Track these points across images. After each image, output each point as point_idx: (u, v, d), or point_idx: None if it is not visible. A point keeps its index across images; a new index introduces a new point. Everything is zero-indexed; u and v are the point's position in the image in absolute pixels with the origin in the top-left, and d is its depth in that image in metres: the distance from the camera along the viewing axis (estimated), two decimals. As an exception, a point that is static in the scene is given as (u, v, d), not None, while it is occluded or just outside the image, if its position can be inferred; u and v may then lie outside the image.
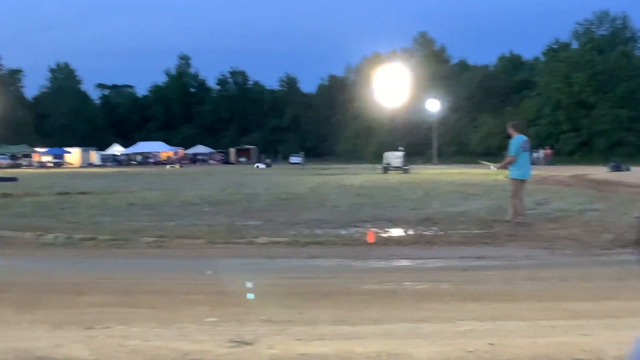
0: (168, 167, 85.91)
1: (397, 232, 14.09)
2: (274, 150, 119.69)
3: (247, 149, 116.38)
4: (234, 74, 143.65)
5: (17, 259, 11.73)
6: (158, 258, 11.45)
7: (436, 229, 14.23)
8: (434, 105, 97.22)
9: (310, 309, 7.09)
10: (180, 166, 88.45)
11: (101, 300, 7.66)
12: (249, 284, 8.56)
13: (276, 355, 5.36)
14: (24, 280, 9.11)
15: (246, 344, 5.62)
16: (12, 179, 40.51)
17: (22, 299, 7.62)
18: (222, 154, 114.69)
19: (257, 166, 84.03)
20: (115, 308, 7.25)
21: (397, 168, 53.81)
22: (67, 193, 26.70)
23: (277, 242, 12.73)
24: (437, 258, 10.91)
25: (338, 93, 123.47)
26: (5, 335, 6.07)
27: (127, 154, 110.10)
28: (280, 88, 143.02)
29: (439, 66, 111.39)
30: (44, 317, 6.85)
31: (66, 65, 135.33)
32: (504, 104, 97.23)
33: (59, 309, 7.25)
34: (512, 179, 15.65)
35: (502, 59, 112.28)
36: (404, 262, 10.61)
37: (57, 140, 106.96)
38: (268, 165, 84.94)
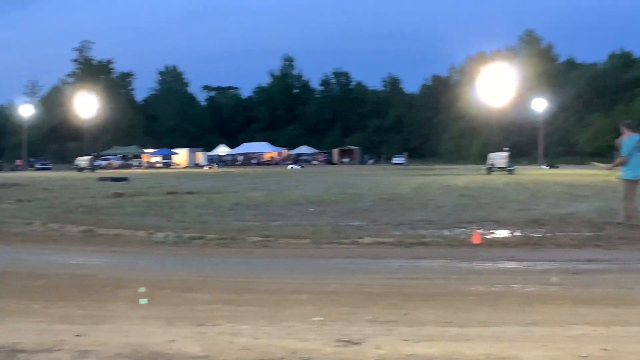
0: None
1: (502, 233, 13.87)
2: (376, 150, 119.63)
3: (351, 150, 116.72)
4: (337, 74, 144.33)
5: (131, 256, 12.13)
6: (264, 257, 11.62)
7: (544, 230, 13.92)
8: (540, 105, 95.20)
9: (416, 310, 7.07)
10: (302, 167, 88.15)
11: (210, 298, 7.83)
12: (352, 284, 8.60)
13: (383, 356, 5.37)
14: (138, 277, 9.40)
15: (353, 343, 5.65)
16: (124, 179, 41.90)
17: (136, 295, 7.86)
18: (325, 155, 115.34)
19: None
20: (224, 306, 7.40)
21: (501, 169, 52.98)
22: (175, 193, 27.41)
23: (382, 243, 12.72)
24: (545, 260, 10.68)
25: (441, 93, 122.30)
26: (120, 330, 6.29)
27: (232, 155, 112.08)
28: (383, 88, 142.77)
29: (546, 65, 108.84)
30: (157, 313, 7.06)
31: (174, 68, 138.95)
32: (614, 103, 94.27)
33: (171, 306, 7.46)
34: (624, 180, 15.13)
35: (612, 56, 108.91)
36: (511, 264, 10.43)
37: (165, 142, 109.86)
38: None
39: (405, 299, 7.64)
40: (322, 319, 6.68)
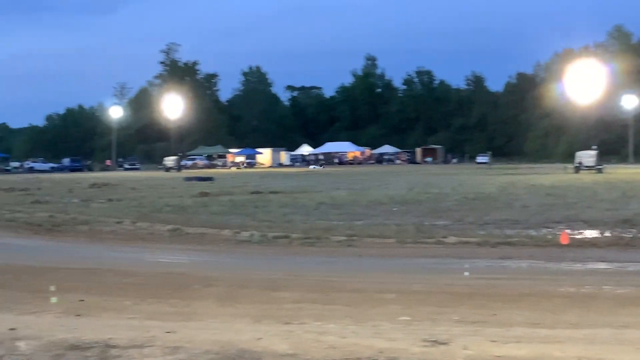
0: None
1: (592, 233, 13.54)
2: (460, 150, 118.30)
3: (434, 149, 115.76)
4: (420, 73, 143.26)
5: (217, 255, 12.35)
6: (349, 256, 11.65)
7: (635, 231, 13.52)
8: (630, 102, 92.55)
9: (504, 311, 6.97)
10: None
11: (296, 297, 7.89)
12: (438, 284, 8.55)
13: (471, 357, 5.31)
14: (225, 275, 9.55)
15: (440, 343, 5.61)
16: (209, 179, 42.55)
17: (224, 293, 7.99)
18: (408, 154, 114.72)
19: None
20: (310, 304, 7.45)
21: (589, 167, 51.69)
22: (259, 192, 27.67)
23: (467, 242, 12.60)
24: (637, 262, 10.41)
25: (526, 91, 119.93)
26: (209, 327, 6.40)
27: (315, 154, 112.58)
28: (467, 87, 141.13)
29: (636, 60, 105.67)
30: (244, 311, 7.16)
31: (258, 68, 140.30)
32: None
33: (257, 304, 7.55)
34: None
35: None
36: (601, 265, 10.18)
37: (249, 141, 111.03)
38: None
39: (492, 300, 7.55)
40: (408, 318, 6.66)
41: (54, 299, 7.79)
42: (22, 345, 5.65)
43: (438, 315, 6.77)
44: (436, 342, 5.63)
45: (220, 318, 6.84)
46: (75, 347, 5.53)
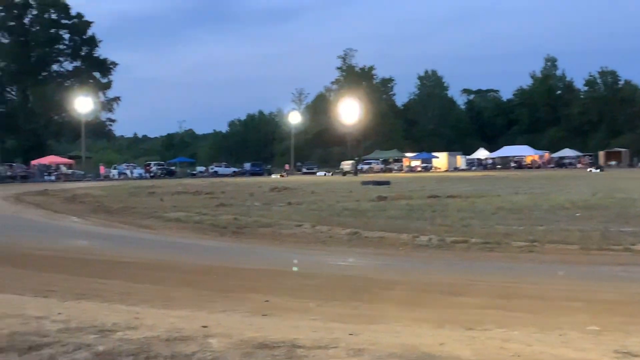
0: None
1: None
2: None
3: (618, 152, 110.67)
4: (603, 73, 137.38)
5: (396, 258, 12.39)
6: (531, 262, 11.37)
7: None
8: None
9: (703, 324, 6.57)
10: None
11: (478, 302, 7.79)
12: (628, 293, 8.17)
13: (668, 371, 5.04)
14: (405, 279, 9.58)
15: (634, 355, 5.35)
16: (386, 183, 42.73)
17: (405, 296, 8.01)
18: (590, 157, 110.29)
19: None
20: (492, 310, 7.34)
21: None
22: (436, 196, 27.44)
23: (659, 250, 11.96)
24: None
25: None
26: (391, 330, 6.43)
27: (492, 158, 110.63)
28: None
29: None
30: (426, 315, 7.15)
31: (434, 72, 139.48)
32: None
33: (439, 308, 7.52)
34: None
35: None
36: None
37: (425, 145, 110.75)
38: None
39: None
40: (597, 328, 6.41)
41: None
42: (213, 342, 5.88)
43: (630, 325, 6.46)
44: (629, 354, 5.37)
45: (402, 322, 6.86)
46: (263, 345, 5.70)
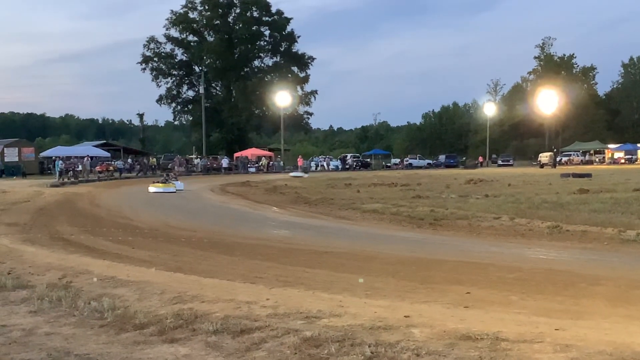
0: None
1: None
2: None
3: None
4: None
5: (601, 253, 11.91)
6: None
7: None
8: None
9: None
10: None
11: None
12: None
13: None
14: (612, 274, 9.20)
15: None
16: (587, 175, 41.18)
17: (613, 293, 7.71)
18: None
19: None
20: None
21: None
22: (644, 190, 26.09)
23: None
24: None
25: None
26: (600, 327, 6.21)
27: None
28: None
29: None
30: (637, 313, 6.84)
31: (639, 59, 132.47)
32: None
33: (651, 306, 7.17)
34: None
35: None
36: None
37: (629, 136, 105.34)
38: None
39: None
40: None
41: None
42: (416, 332, 5.95)
43: None
44: None
45: (612, 318, 6.60)
46: (466, 337, 5.70)
